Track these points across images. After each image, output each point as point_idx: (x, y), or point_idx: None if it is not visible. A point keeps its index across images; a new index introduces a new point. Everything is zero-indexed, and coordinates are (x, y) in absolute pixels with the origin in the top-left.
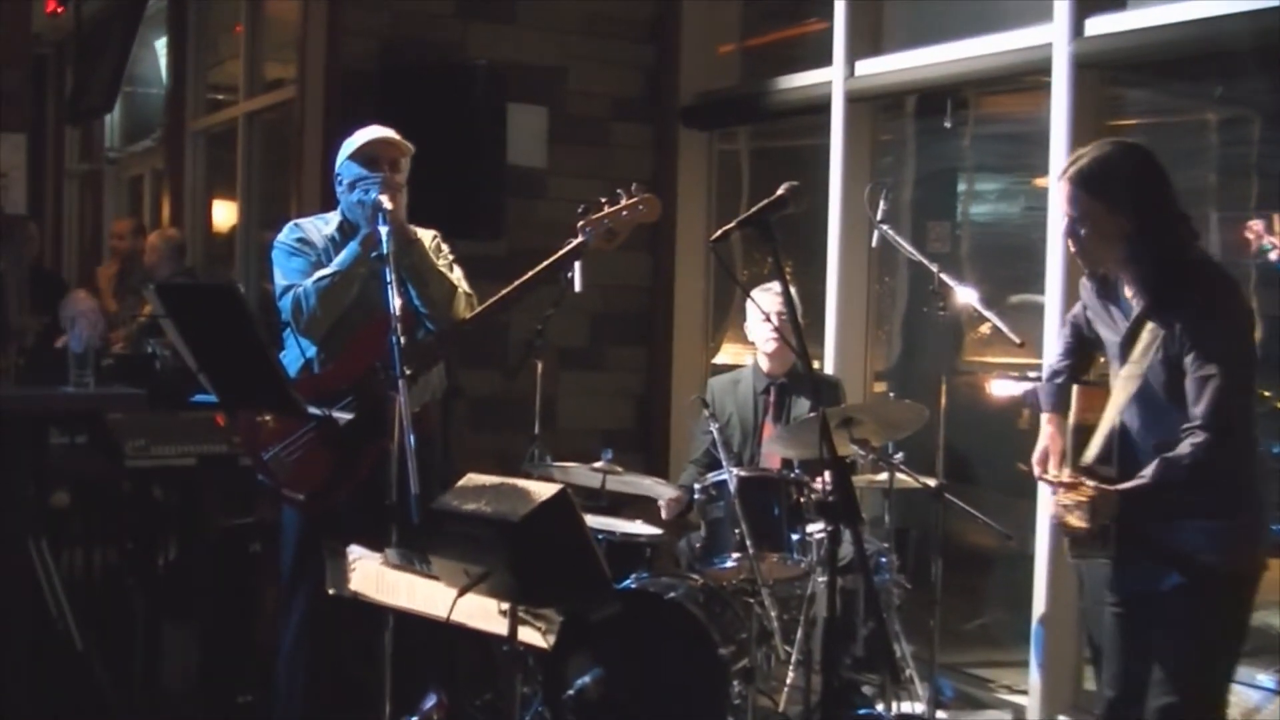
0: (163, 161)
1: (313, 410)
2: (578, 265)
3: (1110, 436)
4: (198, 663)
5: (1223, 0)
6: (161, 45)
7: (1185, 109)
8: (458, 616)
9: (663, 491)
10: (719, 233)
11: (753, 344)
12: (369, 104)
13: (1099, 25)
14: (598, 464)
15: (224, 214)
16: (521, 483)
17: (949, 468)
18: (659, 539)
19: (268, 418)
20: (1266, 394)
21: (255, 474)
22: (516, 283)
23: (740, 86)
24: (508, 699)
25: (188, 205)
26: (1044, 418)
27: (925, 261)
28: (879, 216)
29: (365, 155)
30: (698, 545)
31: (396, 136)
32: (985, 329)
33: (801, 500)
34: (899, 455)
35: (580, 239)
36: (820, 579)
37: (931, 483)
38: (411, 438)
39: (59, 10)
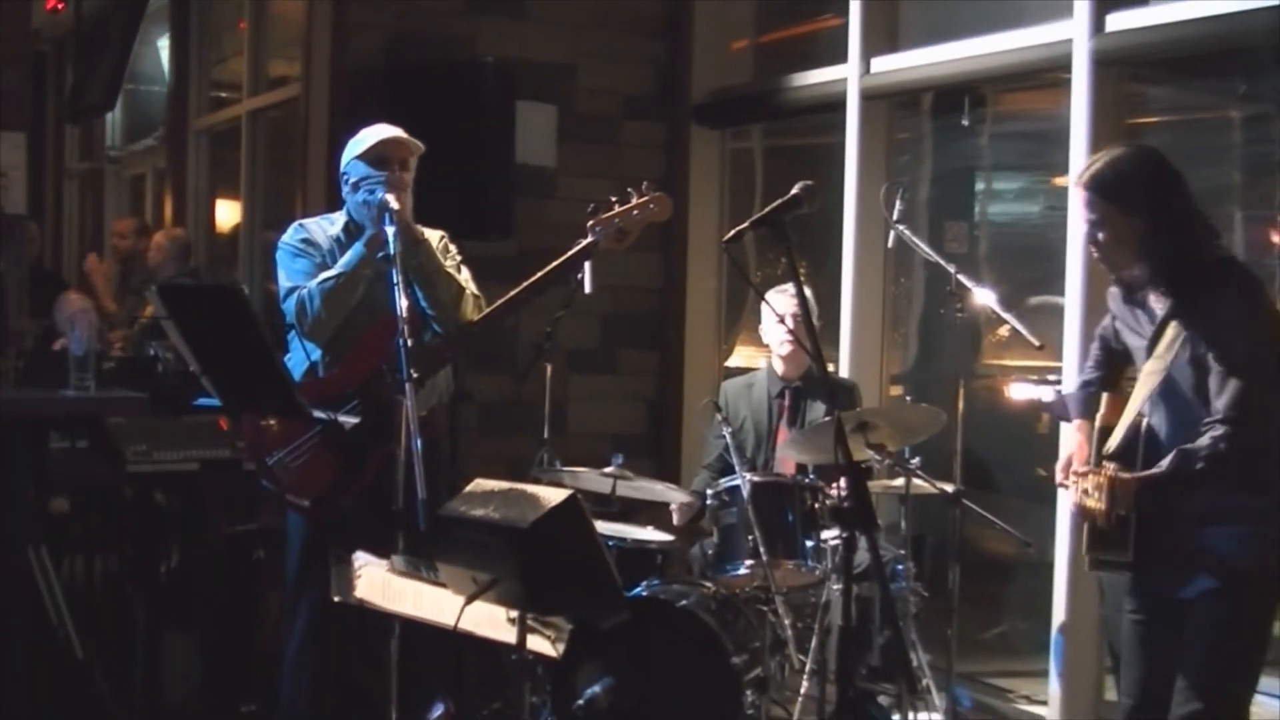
0: (165, 160)
1: (318, 414)
2: (588, 266)
3: (1132, 430)
4: (200, 672)
5: None
6: (163, 42)
7: (1208, 106)
8: (465, 624)
9: (674, 497)
10: (732, 233)
11: (767, 347)
12: (375, 102)
13: (1120, 21)
14: (608, 469)
15: (227, 214)
16: (530, 488)
17: (967, 473)
18: (670, 545)
19: (272, 422)
20: None
21: (259, 479)
22: (525, 284)
23: (754, 84)
24: (516, 708)
25: (190, 205)
26: (1070, 425)
27: (942, 262)
28: (895, 216)
29: (375, 155)
30: (710, 552)
31: (405, 135)
32: (1004, 331)
33: (816, 506)
34: (915, 460)
35: (590, 239)
36: (835, 586)
37: (949, 488)
38: (418, 442)
39: (59, 7)
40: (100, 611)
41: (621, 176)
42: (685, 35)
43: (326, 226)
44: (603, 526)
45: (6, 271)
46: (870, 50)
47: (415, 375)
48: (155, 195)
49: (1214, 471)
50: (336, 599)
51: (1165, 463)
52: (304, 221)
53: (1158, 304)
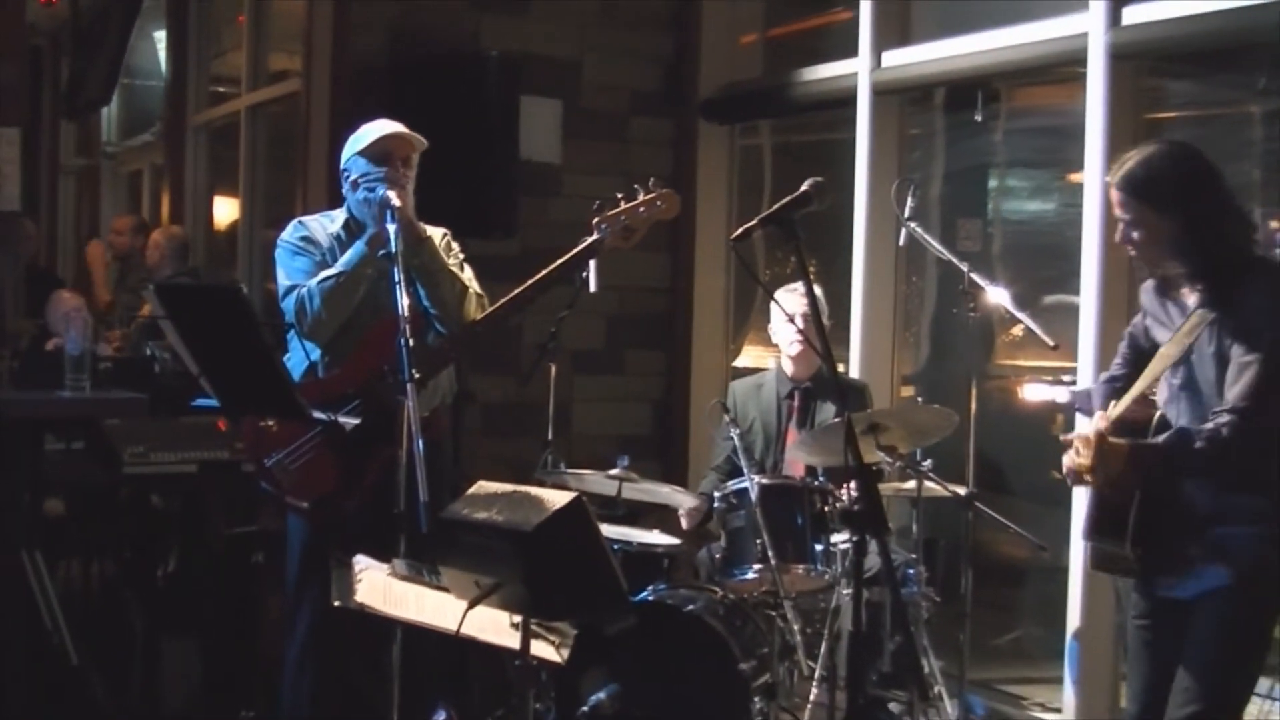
0: (162, 156)
1: (318, 415)
2: (593, 264)
3: (1139, 401)
4: (199, 678)
5: None
6: (161, 35)
7: (1227, 101)
8: (468, 630)
9: (681, 500)
10: (740, 231)
11: (776, 347)
12: (377, 97)
13: (1137, 14)
14: (614, 471)
15: (226, 211)
16: (535, 491)
17: (979, 475)
18: (677, 549)
19: (271, 423)
20: None
21: (258, 481)
22: (529, 283)
23: (763, 79)
24: (520, 715)
25: (188, 202)
26: (1086, 418)
27: (955, 261)
28: (907, 214)
29: (376, 151)
30: (718, 556)
31: (407, 131)
32: (1017, 331)
33: (826, 509)
34: (927, 462)
35: (596, 237)
36: (845, 591)
37: (961, 491)
38: (420, 444)
39: (54, 0)
40: (96, 616)
41: (628, 173)
42: (693, 29)
43: (327, 224)
44: (608, 530)
45: (2, 270)
46: (881, 44)
47: (417, 375)
48: (152, 192)
49: (1213, 455)
50: (337, 604)
51: (1163, 437)
52: (304, 219)
53: (1191, 298)
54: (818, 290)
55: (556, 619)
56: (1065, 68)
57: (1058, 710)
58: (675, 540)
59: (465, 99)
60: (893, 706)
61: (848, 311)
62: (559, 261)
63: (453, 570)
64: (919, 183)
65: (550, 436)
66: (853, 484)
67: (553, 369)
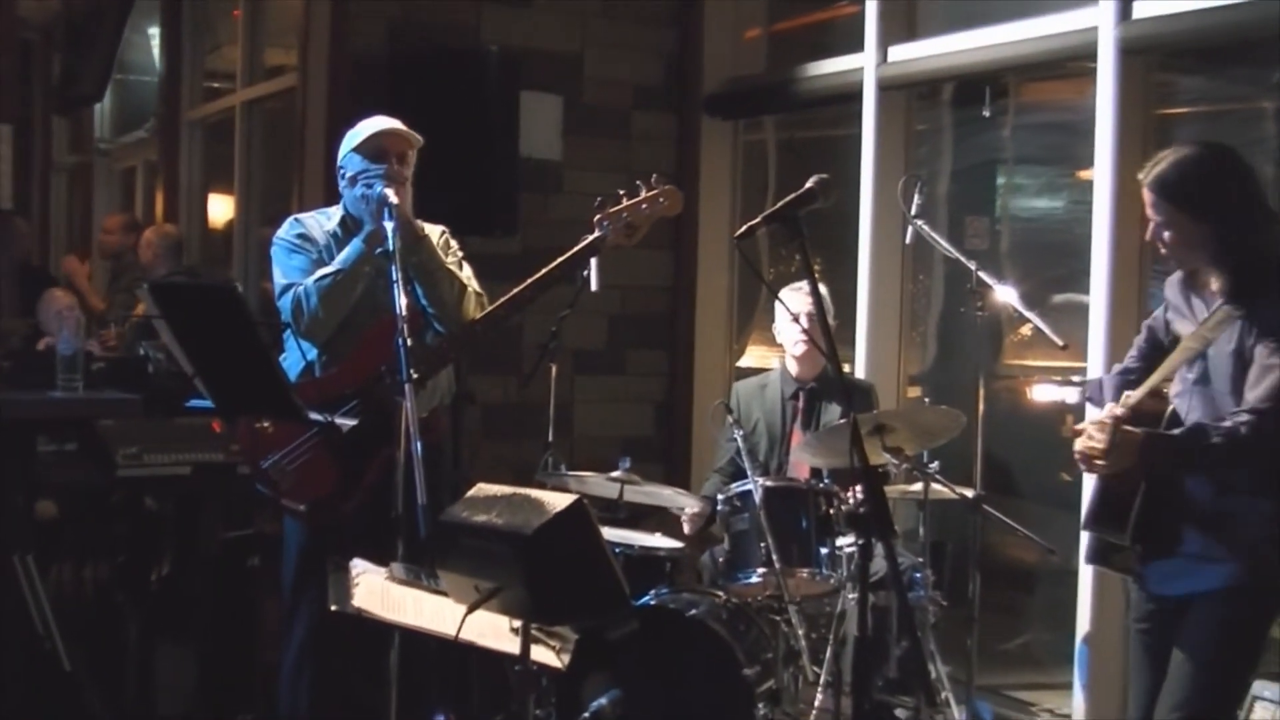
0: (156, 153)
1: (315, 416)
2: (594, 263)
3: (1154, 393)
4: (194, 684)
5: None
6: (155, 29)
7: (1239, 96)
8: (467, 634)
9: (684, 502)
10: (744, 228)
11: (780, 346)
12: (374, 92)
13: (1148, 8)
14: (615, 473)
15: (221, 209)
16: (535, 493)
17: (987, 478)
18: (680, 553)
19: (267, 424)
20: None
21: (254, 483)
22: (529, 281)
23: (767, 74)
24: None
25: (183, 199)
26: (1096, 409)
27: (962, 259)
28: (913, 211)
29: (372, 148)
30: (721, 559)
31: (404, 128)
32: (1026, 330)
33: (831, 512)
34: (934, 464)
35: (597, 234)
36: (851, 595)
37: (969, 493)
38: (419, 445)
39: None
40: (89, 621)
41: (630, 169)
42: (696, 23)
43: (323, 221)
44: (609, 533)
45: None
46: (888, 39)
47: (416, 376)
48: (146, 189)
49: (1227, 453)
50: (334, 608)
51: (1178, 431)
52: (300, 216)
53: (1217, 295)
54: (823, 289)
55: (557, 623)
56: (1075, 62)
57: (1067, 716)
58: (678, 544)
59: (465, 95)
60: (899, 712)
61: (853, 310)
62: (560, 260)
63: (452, 574)
64: (926, 180)
65: (551, 438)
66: (858, 486)
67: (553, 369)
